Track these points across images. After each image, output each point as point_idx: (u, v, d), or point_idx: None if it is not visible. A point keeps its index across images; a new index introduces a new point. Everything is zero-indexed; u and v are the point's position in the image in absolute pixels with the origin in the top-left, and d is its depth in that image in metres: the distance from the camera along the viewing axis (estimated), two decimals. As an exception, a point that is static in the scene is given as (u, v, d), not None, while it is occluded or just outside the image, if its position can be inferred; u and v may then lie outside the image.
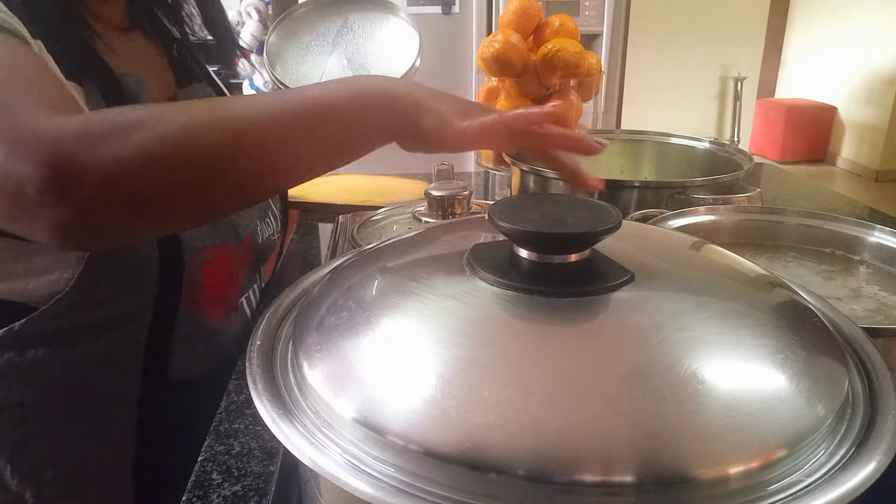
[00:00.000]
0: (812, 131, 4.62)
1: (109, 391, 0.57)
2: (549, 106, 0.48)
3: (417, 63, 0.86)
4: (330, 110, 0.41)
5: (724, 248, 0.40)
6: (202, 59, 0.69)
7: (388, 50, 0.86)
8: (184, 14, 0.68)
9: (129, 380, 0.57)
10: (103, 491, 0.60)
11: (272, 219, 0.69)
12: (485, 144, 0.49)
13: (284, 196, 0.73)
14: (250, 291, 0.69)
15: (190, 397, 0.59)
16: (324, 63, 0.87)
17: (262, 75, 2.11)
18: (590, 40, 2.22)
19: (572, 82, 1.00)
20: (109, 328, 0.55)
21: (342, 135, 0.42)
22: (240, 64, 2.03)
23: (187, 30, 0.68)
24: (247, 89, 2.16)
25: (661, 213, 0.61)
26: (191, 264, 0.57)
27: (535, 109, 0.47)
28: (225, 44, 0.72)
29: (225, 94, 0.69)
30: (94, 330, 0.55)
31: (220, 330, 0.63)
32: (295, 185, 0.46)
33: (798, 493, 0.24)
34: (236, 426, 0.49)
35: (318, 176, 0.44)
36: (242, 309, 0.68)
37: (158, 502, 0.61)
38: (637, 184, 0.73)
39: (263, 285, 0.76)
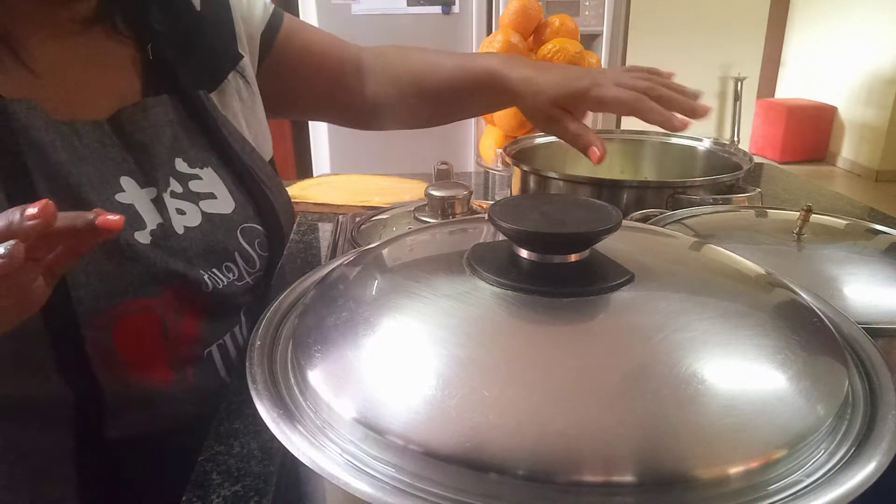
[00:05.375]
0: (812, 131, 4.62)
1: (45, 451, 0.54)
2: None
3: None
4: None
5: (724, 248, 0.40)
6: (179, 64, 0.58)
7: None
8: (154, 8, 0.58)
9: (64, 441, 0.53)
10: None
11: (235, 265, 0.58)
12: None
13: (275, 229, 0.63)
14: (226, 337, 0.60)
15: (140, 457, 0.55)
16: None
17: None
18: (590, 40, 2.22)
19: (572, 82, 1.00)
20: (33, 405, 0.52)
21: None
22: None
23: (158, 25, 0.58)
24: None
25: (662, 213, 0.61)
26: (92, 331, 0.49)
27: None
28: (207, 59, 0.61)
29: (197, 111, 0.59)
30: (18, 406, 0.52)
31: (164, 393, 0.55)
32: None
33: (798, 493, 0.24)
34: (236, 426, 0.49)
35: None
36: (211, 361, 0.58)
37: None
38: (637, 184, 0.73)
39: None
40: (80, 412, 0.52)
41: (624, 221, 0.34)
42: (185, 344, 0.56)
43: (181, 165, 0.57)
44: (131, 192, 0.52)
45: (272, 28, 0.70)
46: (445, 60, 0.74)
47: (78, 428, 0.53)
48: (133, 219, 0.51)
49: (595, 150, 0.63)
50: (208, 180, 0.58)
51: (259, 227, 0.61)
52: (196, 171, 0.57)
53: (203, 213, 0.56)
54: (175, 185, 0.55)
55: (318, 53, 0.75)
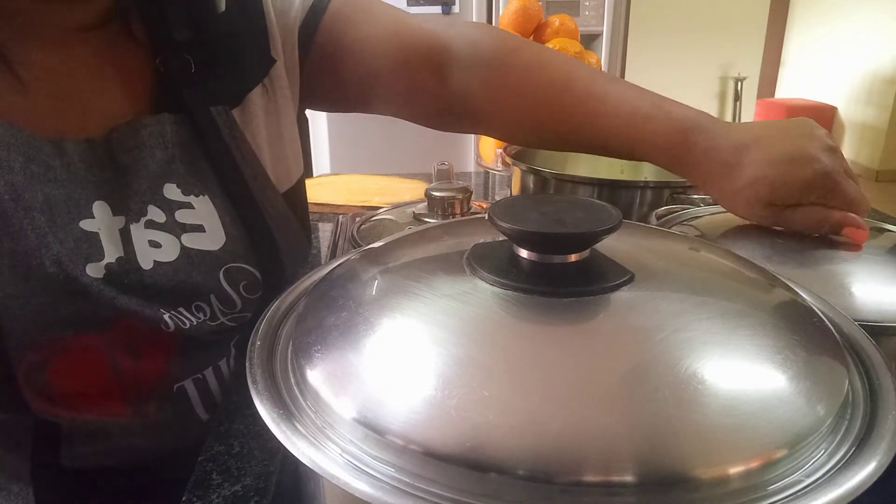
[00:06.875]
0: (812, 131, 4.61)
1: (6, 468, 0.53)
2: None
3: None
4: None
5: (725, 248, 0.40)
6: (196, 78, 0.53)
7: None
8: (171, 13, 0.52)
9: (22, 463, 0.52)
10: None
11: (207, 305, 0.53)
12: None
13: (273, 270, 0.56)
14: (207, 371, 0.56)
15: (100, 490, 0.54)
16: None
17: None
18: (590, 40, 2.23)
19: (572, 82, 1.00)
20: None
21: None
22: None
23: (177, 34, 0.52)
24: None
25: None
26: (25, 364, 0.46)
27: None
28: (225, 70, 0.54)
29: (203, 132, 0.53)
30: None
31: (119, 427, 0.52)
32: None
33: (798, 493, 0.24)
34: (236, 426, 0.49)
35: None
36: (182, 396, 0.54)
37: None
38: (637, 184, 0.73)
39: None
40: (37, 438, 0.51)
41: (624, 221, 0.34)
42: (146, 380, 0.52)
43: (172, 192, 0.51)
44: (101, 218, 0.48)
45: (312, 19, 0.60)
46: (602, 88, 0.58)
47: (33, 454, 0.51)
48: (92, 249, 0.47)
49: (854, 231, 0.48)
50: (200, 210, 0.52)
51: (250, 267, 0.54)
52: (189, 198, 0.52)
53: (182, 248, 0.51)
54: (156, 214, 0.50)
55: (374, 48, 0.62)
